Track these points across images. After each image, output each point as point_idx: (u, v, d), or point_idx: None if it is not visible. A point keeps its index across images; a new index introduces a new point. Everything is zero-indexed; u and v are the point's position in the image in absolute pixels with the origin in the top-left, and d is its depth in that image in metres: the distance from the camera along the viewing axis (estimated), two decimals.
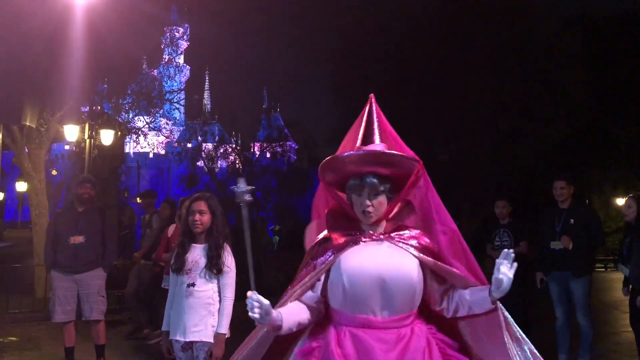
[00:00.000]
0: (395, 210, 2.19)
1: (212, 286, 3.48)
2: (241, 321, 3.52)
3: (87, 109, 13.62)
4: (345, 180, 2.19)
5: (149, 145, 26.54)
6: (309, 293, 2.17)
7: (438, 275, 2.17)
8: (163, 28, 21.35)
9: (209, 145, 36.74)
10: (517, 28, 18.31)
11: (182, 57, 49.31)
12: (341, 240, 2.17)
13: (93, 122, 11.92)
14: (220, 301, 3.49)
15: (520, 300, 6.07)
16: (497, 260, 2.01)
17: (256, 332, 2.19)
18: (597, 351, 6.01)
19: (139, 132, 21.17)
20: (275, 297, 2.20)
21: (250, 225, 2.09)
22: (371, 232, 2.17)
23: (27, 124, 10.01)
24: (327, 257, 2.15)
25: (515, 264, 2.00)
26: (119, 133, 14.61)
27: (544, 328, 5.88)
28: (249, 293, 1.97)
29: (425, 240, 2.18)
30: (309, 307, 2.16)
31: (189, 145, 38.98)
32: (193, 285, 3.45)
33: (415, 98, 18.67)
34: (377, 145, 2.18)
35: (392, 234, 2.17)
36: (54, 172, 32.13)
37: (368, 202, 2.12)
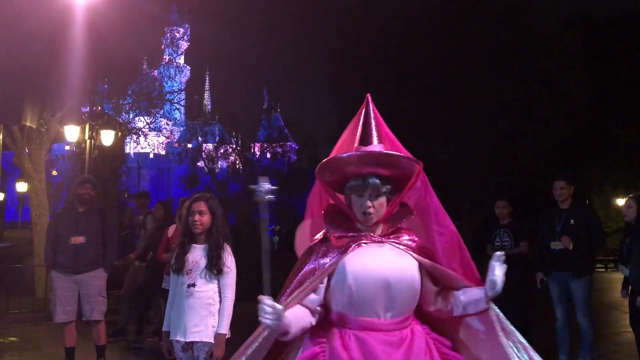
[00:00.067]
0: (393, 211, 2.18)
1: (213, 286, 3.48)
2: (241, 321, 3.53)
3: (87, 109, 13.66)
4: (343, 181, 2.17)
5: (149, 145, 26.55)
6: (312, 296, 2.10)
7: (433, 276, 2.17)
8: (163, 28, 21.36)
9: (209, 146, 36.78)
10: (517, 28, 18.31)
11: (182, 57, 49.36)
12: (342, 241, 2.14)
13: (93, 123, 11.94)
14: (220, 301, 3.49)
15: (521, 301, 6.08)
16: (491, 263, 2.09)
17: (257, 335, 2.12)
18: (597, 351, 6.02)
19: (140, 133, 21.20)
20: (275, 297, 2.18)
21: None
22: (371, 233, 2.16)
23: (28, 124, 10.02)
24: (330, 259, 2.11)
25: (505, 265, 2.09)
26: (120, 133, 14.64)
27: (544, 328, 5.89)
28: (263, 298, 1.92)
29: (421, 241, 2.19)
30: (312, 311, 2.11)
31: (189, 145, 38.98)
32: (193, 285, 3.45)
33: (415, 98, 18.67)
34: (376, 146, 2.16)
35: (391, 236, 2.16)
36: (55, 173, 32.11)
37: (369, 203, 2.10)
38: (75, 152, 18.90)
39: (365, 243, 2.12)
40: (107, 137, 12.49)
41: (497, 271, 2.07)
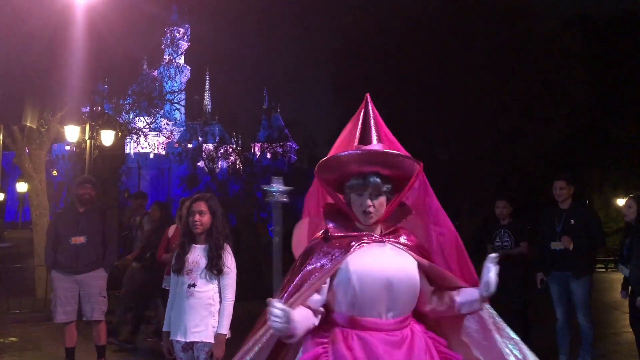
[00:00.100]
0: (392, 211, 2.18)
1: (213, 287, 3.48)
2: (241, 321, 3.53)
3: (87, 109, 13.66)
4: (343, 180, 2.16)
5: (149, 145, 26.58)
6: (315, 296, 2.07)
7: (429, 276, 2.18)
8: (163, 28, 21.36)
9: (210, 146, 36.78)
10: (517, 28, 18.34)
11: (182, 57, 49.35)
12: (343, 241, 2.12)
13: (94, 123, 11.93)
14: (220, 302, 3.49)
15: (521, 301, 6.08)
16: (485, 264, 2.13)
17: (259, 337, 2.09)
18: (598, 352, 6.01)
19: (140, 133, 21.21)
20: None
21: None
22: (371, 233, 2.15)
23: (28, 124, 10.01)
24: (332, 259, 2.08)
25: (498, 266, 2.13)
26: (120, 133, 14.63)
27: (544, 328, 5.89)
28: (272, 301, 1.90)
29: (418, 241, 2.20)
30: (315, 312, 2.09)
31: (190, 145, 38.99)
32: (194, 285, 3.45)
33: (415, 98, 18.69)
34: (376, 145, 2.16)
35: (390, 236, 2.16)
36: (55, 173, 32.12)
37: (369, 202, 2.09)
38: (75, 152, 18.88)
39: (367, 243, 2.11)
40: (107, 137, 12.49)
41: (491, 272, 2.11)
